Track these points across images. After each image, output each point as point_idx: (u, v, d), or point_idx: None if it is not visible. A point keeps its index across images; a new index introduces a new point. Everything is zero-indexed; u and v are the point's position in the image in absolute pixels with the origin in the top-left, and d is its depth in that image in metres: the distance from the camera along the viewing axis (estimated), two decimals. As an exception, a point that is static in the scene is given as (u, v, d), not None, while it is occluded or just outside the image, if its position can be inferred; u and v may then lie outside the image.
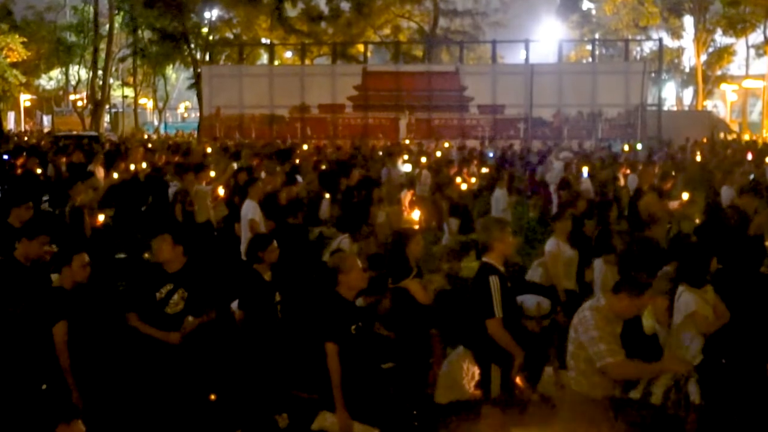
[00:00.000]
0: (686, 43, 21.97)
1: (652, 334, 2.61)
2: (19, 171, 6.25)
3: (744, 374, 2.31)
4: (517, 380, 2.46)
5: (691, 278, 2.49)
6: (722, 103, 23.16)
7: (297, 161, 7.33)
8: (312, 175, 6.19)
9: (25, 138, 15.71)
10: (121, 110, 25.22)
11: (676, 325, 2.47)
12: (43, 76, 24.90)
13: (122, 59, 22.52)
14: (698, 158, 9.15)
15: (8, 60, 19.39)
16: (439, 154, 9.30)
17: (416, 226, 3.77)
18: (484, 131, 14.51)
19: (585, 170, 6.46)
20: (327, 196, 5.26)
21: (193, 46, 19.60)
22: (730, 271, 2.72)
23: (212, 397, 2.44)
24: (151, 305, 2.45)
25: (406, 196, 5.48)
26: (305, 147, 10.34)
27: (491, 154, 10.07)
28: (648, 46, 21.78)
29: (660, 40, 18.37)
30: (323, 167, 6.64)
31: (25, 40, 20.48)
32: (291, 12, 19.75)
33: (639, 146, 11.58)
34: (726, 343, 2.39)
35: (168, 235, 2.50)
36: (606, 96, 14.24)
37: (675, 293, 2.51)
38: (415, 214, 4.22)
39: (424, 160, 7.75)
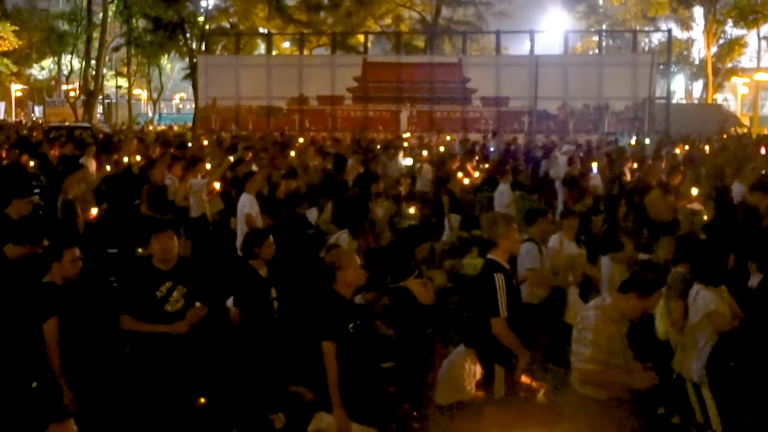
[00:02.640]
0: (696, 35, 21.81)
1: (665, 338, 2.57)
2: (4, 163, 6.06)
3: (754, 377, 2.21)
4: (524, 380, 2.42)
5: (707, 276, 2.41)
6: (733, 97, 22.87)
7: (293, 153, 7.08)
8: (319, 165, 5.96)
9: (22, 128, 15.39)
10: (114, 101, 25.09)
11: (691, 324, 2.41)
12: (35, 65, 24.77)
13: (116, 48, 22.16)
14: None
15: (-1, 49, 19.25)
16: (441, 148, 9.07)
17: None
18: (487, 124, 14.22)
19: (594, 166, 6.23)
20: None
21: (188, 35, 19.28)
22: (742, 269, 2.65)
23: (201, 400, 2.37)
24: (148, 305, 2.36)
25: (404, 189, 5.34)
26: (300, 140, 10.04)
27: (492, 149, 9.76)
28: (656, 38, 21.58)
29: (669, 31, 18.05)
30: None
31: (17, 28, 20.44)
32: (289, 1, 19.48)
33: (647, 141, 11.29)
34: (736, 344, 2.30)
35: (172, 231, 2.44)
36: (613, 88, 13.96)
37: (688, 294, 2.45)
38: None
39: (425, 153, 7.52)
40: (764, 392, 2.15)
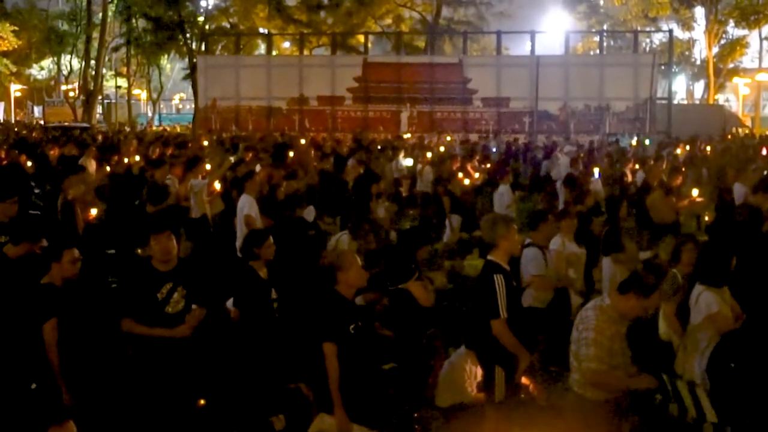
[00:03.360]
0: (697, 35, 21.80)
1: (667, 340, 2.58)
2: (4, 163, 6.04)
3: (754, 377, 2.20)
4: (523, 382, 2.40)
5: (710, 278, 2.41)
6: (734, 97, 22.80)
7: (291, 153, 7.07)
8: (318, 165, 5.97)
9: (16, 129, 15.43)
10: (114, 101, 25.02)
11: (693, 326, 2.42)
12: (34, 65, 24.72)
13: (116, 48, 22.19)
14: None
15: (-2, 49, 19.27)
16: (442, 148, 9.05)
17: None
18: (488, 125, 14.19)
19: (596, 171, 6.20)
20: None
21: (188, 35, 19.31)
22: (744, 270, 2.61)
23: (201, 402, 2.29)
24: (149, 307, 2.35)
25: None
26: (303, 141, 10.05)
27: (494, 149, 9.76)
28: (658, 38, 21.74)
29: (670, 31, 18.08)
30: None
31: (16, 28, 20.47)
32: (289, 1, 19.47)
33: (648, 141, 11.27)
34: (737, 345, 2.30)
35: (171, 231, 2.43)
36: (614, 89, 13.94)
37: (682, 294, 2.48)
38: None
39: (429, 155, 7.47)
40: (764, 393, 2.14)
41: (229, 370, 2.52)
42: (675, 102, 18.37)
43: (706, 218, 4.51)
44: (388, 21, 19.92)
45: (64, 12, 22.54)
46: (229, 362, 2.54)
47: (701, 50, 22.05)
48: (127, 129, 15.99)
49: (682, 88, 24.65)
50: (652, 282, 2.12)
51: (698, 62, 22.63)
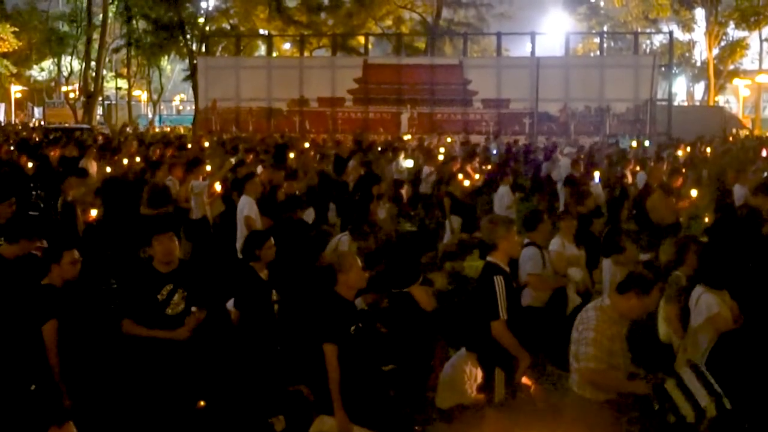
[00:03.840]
0: (698, 37, 21.80)
1: (667, 341, 2.56)
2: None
3: (751, 378, 2.18)
4: (524, 383, 2.41)
5: (711, 279, 2.42)
6: (735, 99, 22.81)
7: (291, 155, 7.08)
8: (313, 171, 5.99)
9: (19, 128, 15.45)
10: (114, 102, 25.10)
11: (694, 327, 2.43)
12: (35, 66, 24.77)
13: (116, 50, 22.23)
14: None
15: (-1, 50, 19.31)
16: (442, 149, 9.06)
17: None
18: (488, 126, 14.20)
19: (597, 175, 6.18)
20: None
21: (189, 36, 19.36)
22: (744, 272, 2.63)
23: (201, 403, 2.28)
24: (150, 308, 2.36)
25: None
26: (307, 145, 10.06)
27: (495, 151, 9.78)
28: (658, 39, 21.79)
29: (670, 33, 18.04)
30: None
31: (17, 29, 20.47)
32: (290, 2, 19.55)
33: (647, 143, 11.30)
34: (733, 346, 2.29)
35: (173, 233, 2.44)
36: (614, 90, 13.93)
37: (685, 297, 2.47)
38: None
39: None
40: (761, 393, 2.14)
41: (229, 372, 2.53)
42: (675, 103, 18.36)
43: (706, 220, 4.52)
44: (389, 22, 19.96)
45: (64, 13, 22.56)
46: (230, 364, 2.56)
47: (701, 52, 22.05)
48: (129, 130, 15.98)
49: (682, 89, 24.70)
50: (649, 277, 2.11)
51: (698, 64, 22.63)
